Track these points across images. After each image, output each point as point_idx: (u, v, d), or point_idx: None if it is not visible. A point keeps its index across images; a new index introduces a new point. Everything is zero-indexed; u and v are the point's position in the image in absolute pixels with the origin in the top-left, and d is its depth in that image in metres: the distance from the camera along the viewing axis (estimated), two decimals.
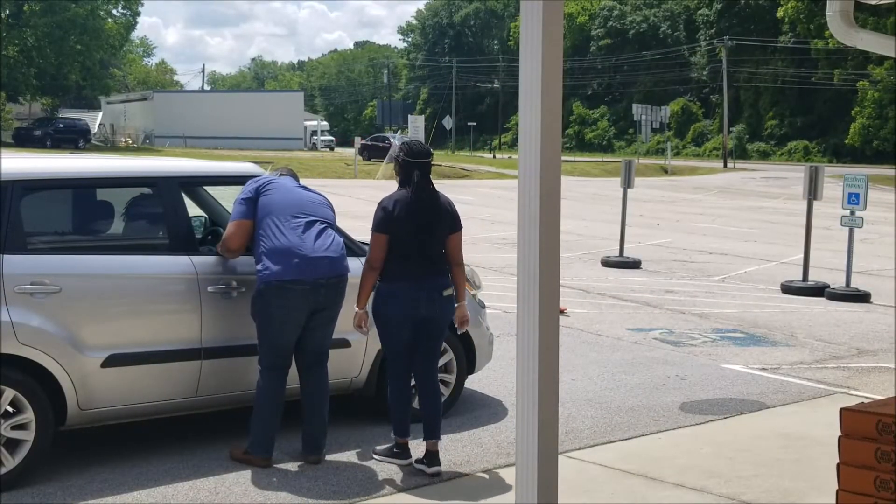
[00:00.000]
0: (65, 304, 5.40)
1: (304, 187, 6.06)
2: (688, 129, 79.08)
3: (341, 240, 5.91)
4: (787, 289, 13.33)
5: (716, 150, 71.38)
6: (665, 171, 51.77)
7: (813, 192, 13.31)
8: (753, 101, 74.98)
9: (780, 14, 66.96)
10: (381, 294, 5.74)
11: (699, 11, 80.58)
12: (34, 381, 5.31)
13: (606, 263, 15.76)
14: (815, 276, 13.61)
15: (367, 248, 6.36)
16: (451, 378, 6.89)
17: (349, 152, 51.99)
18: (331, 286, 5.73)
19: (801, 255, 13.67)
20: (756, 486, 5.62)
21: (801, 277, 13.51)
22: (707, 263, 16.42)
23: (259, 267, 5.66)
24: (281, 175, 6.10)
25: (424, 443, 5.78)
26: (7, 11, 55.02)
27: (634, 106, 63.54)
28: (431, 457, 5.76)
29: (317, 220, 5.79)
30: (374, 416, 6.64)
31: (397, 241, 5.69)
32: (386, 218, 5.70)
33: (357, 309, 5.83)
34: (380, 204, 5.80)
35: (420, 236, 5.70)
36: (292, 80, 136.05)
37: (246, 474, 5.62)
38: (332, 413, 5.98)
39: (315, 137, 73.92)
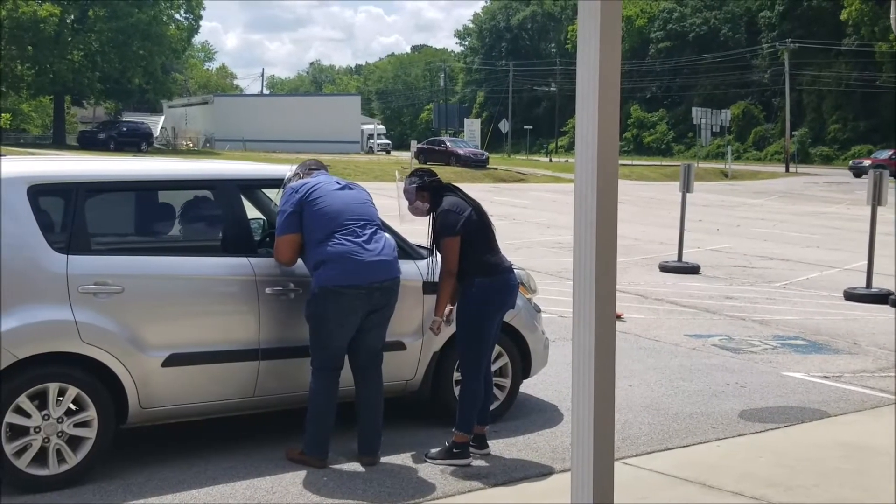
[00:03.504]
0: (127, 304, 5.48)
1: (346, 185, 6.00)
2: (749, 132, 78.00)
3: (393, 241, 5.93)
4: (850, 296, 13.10)
5: (777, 154, 70.32)
6: (725, 175, 51.12)
7: (877, 198, 13.05)
8: (816, 105, 73.75)
9: (843, 16, 65.82)
10: (482, 288, 5.85)
11: (761, 14, 79.51)
12: (97, 379, 5.40)
13: (664, 268, 15.61)
14: (878, 283, 13.34)
15: (422, 251, 6.38)
16: (507, 382, 6.87)
17: (405, 156, 52.19)
18: (385, 289, 5.75)
19: (865, 262, 13.42)
20: (816, 496, 5.52)
21: (864, 284, 13.26)
22: (768, 269, 16.19)
23: (314, 271, 5.70)
24: (311, 170, 6.01)
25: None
26: (72, 17, 56.15)
27: (694, 109, 62.87)
28: (481, 440, 6.09)
29: (367, 223, 5.81)
30: (428, 418, 6.66)
31: (476, 239, 5.88)
32: (460, 219, 5.87)
33: (435, 317, 6.00)
34: (442, 209, 5.90)
35: (492, 229, 6.03)
36: (349, 84, 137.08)
37: (301, 475, 5.66)
38: (387, 415, 6.00)
39: (371, 141, 74.42)
